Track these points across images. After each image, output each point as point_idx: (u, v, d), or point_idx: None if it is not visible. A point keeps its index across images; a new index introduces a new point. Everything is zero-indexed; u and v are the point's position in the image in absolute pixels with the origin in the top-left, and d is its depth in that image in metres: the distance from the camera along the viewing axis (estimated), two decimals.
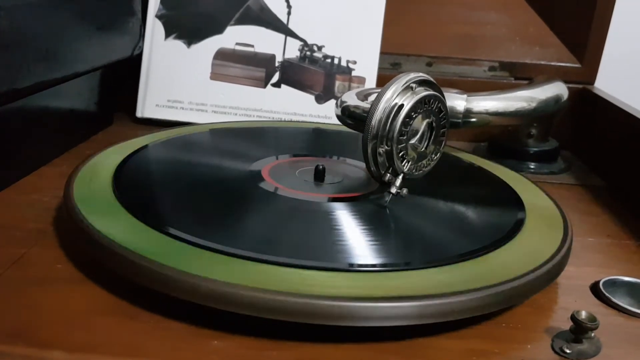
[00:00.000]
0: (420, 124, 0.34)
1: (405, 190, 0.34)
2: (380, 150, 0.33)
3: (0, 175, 0.38)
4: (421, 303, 0.25)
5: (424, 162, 0.35)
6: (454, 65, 0.60)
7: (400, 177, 0.34)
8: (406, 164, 0.34)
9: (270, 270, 0.27)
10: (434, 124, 0.35)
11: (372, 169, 0.34)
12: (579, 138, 0.57)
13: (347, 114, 0.38)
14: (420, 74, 0.34)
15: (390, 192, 0.34)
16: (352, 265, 0.28)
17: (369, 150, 0.33)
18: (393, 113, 0.32)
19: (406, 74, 0.33)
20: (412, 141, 0.34)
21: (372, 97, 0.35)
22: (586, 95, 0.57)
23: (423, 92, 0.33)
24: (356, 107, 0.38)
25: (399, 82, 0.33)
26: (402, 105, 0.33)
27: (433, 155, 0.36)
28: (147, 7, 0.55)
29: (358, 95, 0.40)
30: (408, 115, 0.33)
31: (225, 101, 0.55)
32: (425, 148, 0.35)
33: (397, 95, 0.33)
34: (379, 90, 0.33)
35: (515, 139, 0.52)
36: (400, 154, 0.33)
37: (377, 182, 0.36)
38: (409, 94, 0.33)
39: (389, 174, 0.34)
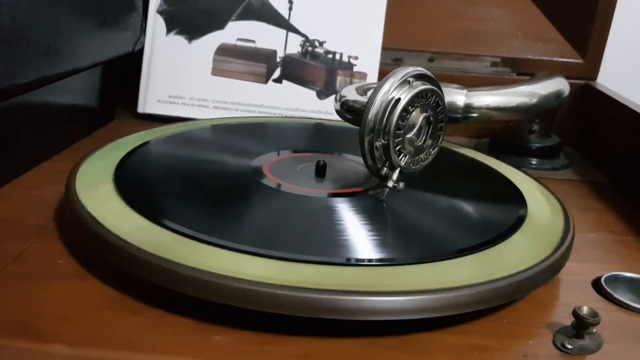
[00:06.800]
0: (418, 118, 0.34)
1: (402, 184, 0.34)
2: (377, 144, 0.33)
3: (2, 171, 0.38)
4: (421, 298, 0.25)
5: (422, 156, 0.35)
6: (455, 61, 0.60)
7: (397, 171, 0.34)
8: (403, 158, 0.34)
9: (271, 265, 0.27)
10: (431, 118, 0.34)
11: (369, 163, 0.34)
12: (582, 134, 0.57)
13: (345, 109, 0.38)
14: (418, 68, 0.34)
15: (387, 186, 0.33)
16: (349, 259, 0.28)
17: (366, 144, 0.33)
18: (390, 107, 0.32)
19: (404, 68, 0.33)
20: (409, 135, 0.34)
21: (371, 92, 0.35)
22: (588, 91, 0.57)
23: (420, 86, 0.33)
24: (355, 101, 0.38)
25: (396, 76, 0.33)
26: (398, 99, 0.32)
27: (431, 150, 0.35)
28: (148, 2, 0.55)
29: (357, 90, 0.40)
30: (405, 109, 0.32)
31: (226, 97, 0.55)
32: (423, 142, 0.35)
33: (394, 89, 0.32)
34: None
35: (517, 134, 0.52)
36: (397, 148, 0.33)
37: (375, 177, 0.35)
38: (405, 87, 0.33)
39: (385, 168, 0.34)
